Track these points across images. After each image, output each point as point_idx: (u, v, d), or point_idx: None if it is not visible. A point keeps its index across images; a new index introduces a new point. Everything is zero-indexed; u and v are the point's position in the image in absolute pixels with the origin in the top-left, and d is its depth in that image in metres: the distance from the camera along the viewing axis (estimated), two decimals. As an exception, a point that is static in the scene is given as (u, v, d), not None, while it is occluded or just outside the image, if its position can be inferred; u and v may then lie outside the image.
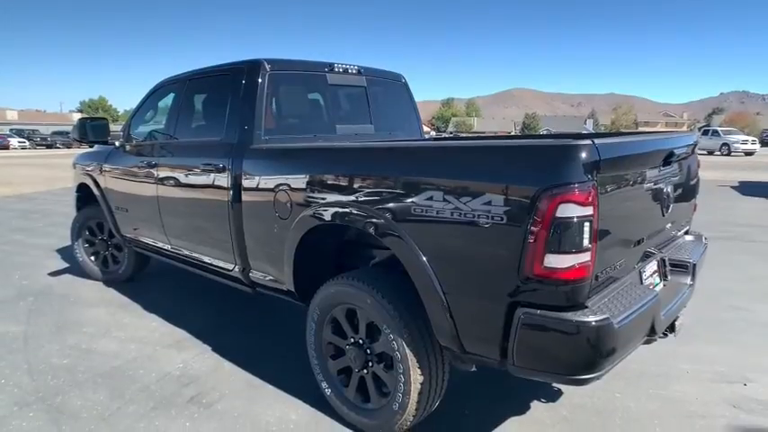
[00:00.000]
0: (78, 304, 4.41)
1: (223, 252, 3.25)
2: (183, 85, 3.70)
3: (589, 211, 1.74)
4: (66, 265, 5.59)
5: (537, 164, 1.80)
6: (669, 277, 2.53)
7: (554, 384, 2.94)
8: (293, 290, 2.81)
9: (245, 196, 2.97)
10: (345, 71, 3.56)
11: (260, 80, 3.06)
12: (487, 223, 1.86)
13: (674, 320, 2.35)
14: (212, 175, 3.17)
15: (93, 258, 5.02)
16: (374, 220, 2.22)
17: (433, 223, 2.02)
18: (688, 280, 2.55)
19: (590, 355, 1.79)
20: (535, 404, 2.77)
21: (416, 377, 2.23)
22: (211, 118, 3.50)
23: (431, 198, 2.01)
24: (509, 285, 1.85)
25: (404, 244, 2.11)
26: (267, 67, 3.10)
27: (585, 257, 1.76)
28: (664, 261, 2.52)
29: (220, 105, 3.29)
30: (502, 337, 1.92)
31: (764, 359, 3.24)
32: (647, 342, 2.16)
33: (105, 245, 4.92)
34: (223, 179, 3.08)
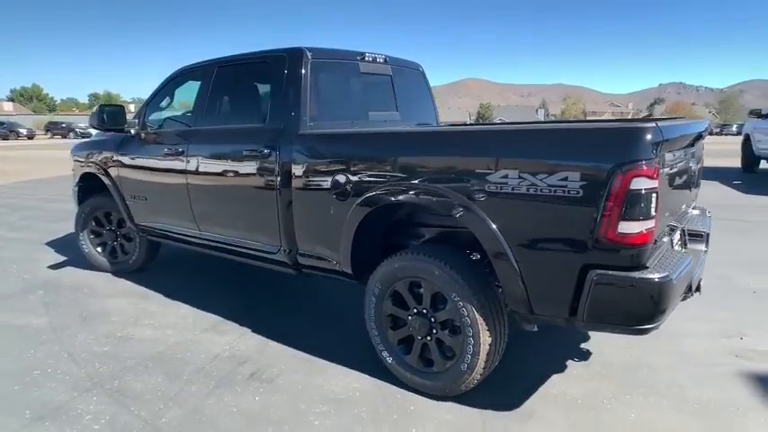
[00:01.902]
0: (95, 295, 4.37)
1: (266, 236, 3.36)
2: (210, 73, 3.73)
3: (655, 184, 2.01)
4: (63, 257, 5.47)
5: (611, 144, 2.06)
6: (688, 245, 2.86)
7: (582, 346, 3.26)
8: (349, 269, 2.97)
9: (295, 180, 3.09)
10: (374, 60, 3.71)
11: (303, 68, 3.18)
12: (564, 197, 2.10)
13: (699, 281, 2.69)
14: (256, 160, 3.26)
15: (99, 249, 4.95)
16: (447, 198, 2.42)
17: (507, 199, 2.25)
18: (703, 247, 2.90)
19: (653, 307, 2.08)
20: (571, 363, 3.07)
21: (485, 339, 2.46)
22: (249, 105, 3.58)
23: (506, 176, 2.23)
24: (583, 251, 2.11)
25: (478, 219, 2.32)
26: (309, 55, 3.22)
27: (651, 224, 2.04)
28: (684, 231, 2.85)
29: (259, 92, 3.37)
30: (572, 297, 2.17)
31: (751, 317, 3.68)
32: (684, 299, 2.48)
33: (114, 235, 4.87)
34: (269, 164, 3.19)
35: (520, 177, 2.20)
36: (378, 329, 2.86)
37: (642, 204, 2.00)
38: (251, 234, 3.49)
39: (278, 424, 2.52)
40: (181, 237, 4.10)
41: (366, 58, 3.66)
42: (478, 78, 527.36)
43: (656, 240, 2.16)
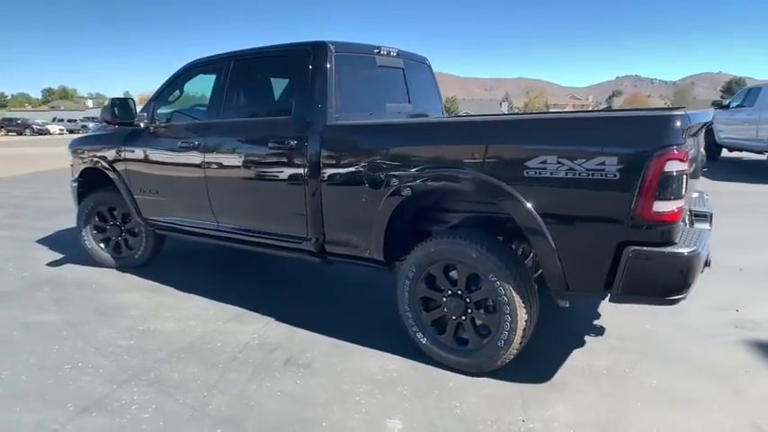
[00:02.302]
0: (105, 291, 4.33)
1: (292, 225, 3.42)
2: (227, 67, 3.75)
3: (685, 166, 2.21)
4: (60, 255, 5.36)
5: (646, 131, 2.24)
6: (695, 224, 3.10)
7: (596, 322, 3.48)
8: (380, 255, 3.08)
9: (324, 170, 3.17)
10: (388, 53, 3.81)
11: (328, 61, 3.26)
12: (601, 180, 2.27)
13: (709, 257, 2.92)
14: (283, 151, 3.32)
15: (102, 245, 4.89)
16: (487, 184, 2.55)
17: (545, 183, 2.40)
18: (707, 226, 3.14)
19: (683, 280, 2.28)
20: (588, 338, 3.27)
21: (522, 315, 2.62)
22: (272, 97, 3.62)
23: (544, 162, 2.39)
24: (619, 229, 2.29)
25: (517, 203, 2.47)
26: (332, 48, 3.30)
27: (681, 203, 2.24)
28: (690, 211, 3.09)
29: (282, 85, 3.42)
30: (608, 272, 2.35)
31: (742, 292, 3.98)
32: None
33: (118, 230, 4.81)
34: (297, 155, 3.25)
35: (558, 163, 2.35)
36: (411, 311, 2.99)
37: (674, 185, 2.19)
38: (275, 224, 3.55)
39: (326, 405, 2.62)
40: (195, 229, 4.11)
41: (382, 52, 3.76)
42: (440, 72, 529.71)
43: (683, 219, 2.36)
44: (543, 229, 2.44)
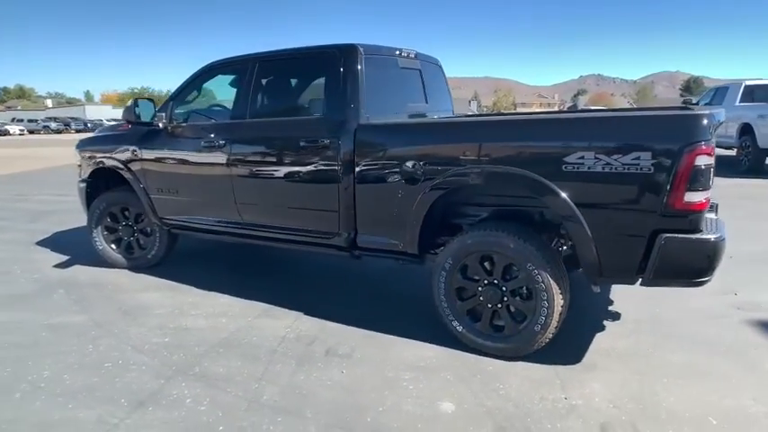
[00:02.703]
0: (123, 291, 4.33)
1: (323, 221, 3.52)
2: (251, 68, 3.80)
3: (712, 160, 2.42)
4: (65, 256, 5.29)
5: (677, 128, 2.45)
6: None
7: (610, 308, 3.71)
8: (415, 249, 3.22)
9: (358, 167, 3.28)
10: (408, 55, 3.95)
11: (359, 63, 3.37)
12: (636, 174, 2.47)
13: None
14: (316, 150, 3.42)
15: (114, 246, 4.87)
16: (525, 179, 2.72)
17: (583, 177, 2.59)
18: (715, 215, 3.40)
19: (709, 263, 2.50)
20: (606, 323, 3.49)
21: (558, 301, 2.81)
22: (302, 97, 3.71)
23: (582, 158, 2.57)
24: (652, 219, 2.49)
25: (556, 196, 2.65)
26: (361, 51, 3.42)
27: (708, 194, 2.46)
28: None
29: (310, 86, 3.52)
30: (641, 258, 2.56)
31: (736, 278, 4.26)
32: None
33: (131, 230, 4.80)
34: (330, 153, 3.36)
35: (595, 158, 2.54)
36: (447, 301, 3.14)
37: (703, 177, 2.40)
38: (305, 220, 3.64)
39: (376, 391, 2.75)
40: (216, 228, 4.15)
41: (402, 54, 3.90)
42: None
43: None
44: (581, 220, 2.63)
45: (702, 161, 2.39)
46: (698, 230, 2.49)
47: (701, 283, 2.56)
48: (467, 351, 3.12)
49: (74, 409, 2.63)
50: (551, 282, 2.78)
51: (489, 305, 3.02)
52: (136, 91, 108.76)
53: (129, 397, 2.74)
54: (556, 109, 62.52)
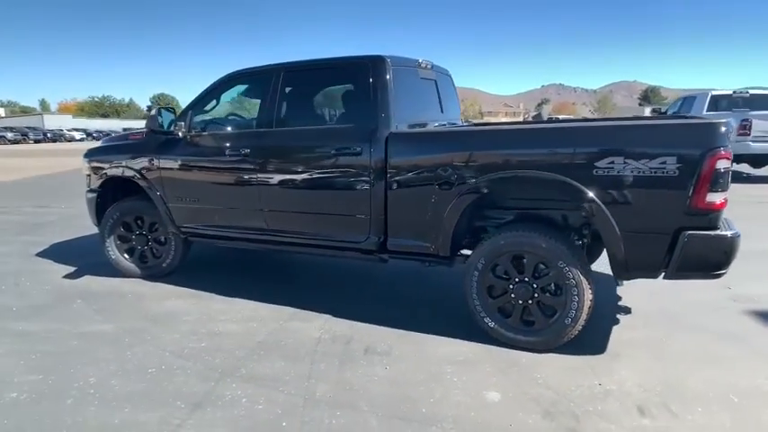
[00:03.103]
0: (145, 299, 4.34)
1: (353, 227, 3.66)
2: (276, 78, 3.91)
3: (729, 164, 2.70)
4: (70, 267, 5.23)
5: (700, 135, 2.72)
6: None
7: (619, 303, 3.97)
8: (447, 252, 3.39)
9: (391, 174, 3.45)
10: (426, 66, 4.16)
11: (388, 73, 3.55)
12: (663, 177, 2.72)
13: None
14: (347, 157, 3.56)
15: (127, 255, 4.86)
16: (557, 183, 2.94)
17: (613, 180, 2.83)
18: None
19: (726, 257, 2.77)
20: (620, 317, 3.75)
21: (588, 295, 3.04)
22: (331, 107, 3.84)
23: (612, 162, 2.82)
24: (677, 217, 2.75)
25: (588, 198, 2.88)
26: (389, 62, 3.59)
27: (727, 194, 2.73)
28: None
29: (341, 95, 3.67)
30: (665, 254, 2.81)
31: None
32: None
33: (145, 239, 4.81)
34: (362, 161, 3.51)
35: (624, 162, 2.79)
36: (479, 299, 3.32)
37: (722, 179, 2.68)
38: (334, 226, 3.77)
39: (423, 384, 2.90)
40: (239, 235, 4.22)
41: (422, 65, 4.09)
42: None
43: (723, 208, 2.86)
44: (610, 219, 2.86)
45: (722, 165, 2.66)
46: (716, 228, 2.76)
47: (719, 276, 2.83)
48: (498, 345, 3.31)
49: (132, 413, 2.68)
50: (581, 277, 3.01)
51: (520, 301, 3.22)
52: (97, 100, 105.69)
53: (183, 399, 2.80)
54: (521, 119, 64.15)
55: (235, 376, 3.05)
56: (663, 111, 13.49)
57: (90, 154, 4.96)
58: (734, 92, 10.86)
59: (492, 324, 3.31)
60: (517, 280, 3.22)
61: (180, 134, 4.25)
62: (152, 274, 4.83)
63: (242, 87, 4.32)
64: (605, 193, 2.86)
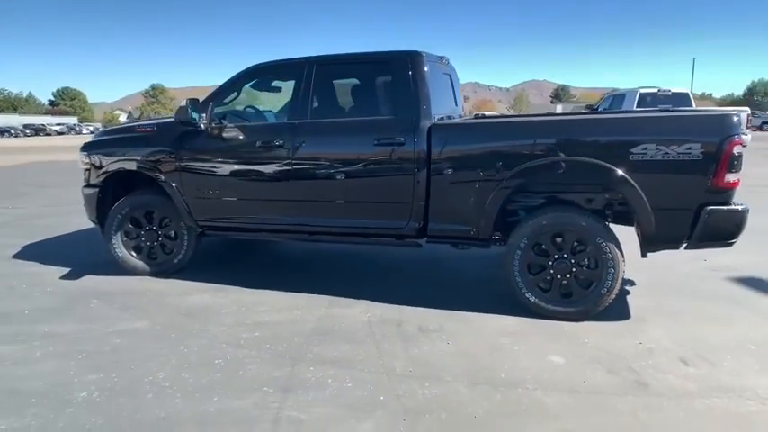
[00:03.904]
0: (168, 296, 4.23)
1: (393, 214, 3.83)
2: (308, 71, 3.97)
3: (742, 149, 3.19)
4: (64, 268, 4.92)
5: (719, 124, 3.18)
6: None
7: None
8: (488, 234, 3.66)
9: (435, 163, 3.65)
10: (444, 62, 4.40)
11: (426, 67, 3.76)
12: (689, 161, 3.16)
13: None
14: (390, 147, 3.72)
15: (134, 253, 4.68)
16: (597, 167, 3.30)
17: (646, 164, 3.23)
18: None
19: (737, 228, 3.27)
20: (628, 288, 4.22)
21: (621, 267, 3.44)
22: (370, 100, 3.96)
23: (645, 148, 3.22)
24: (700, 195, 3.21)
25: (625, 180, 3.27)
26: (425, 56, 3.80)
27: (740, 175, 3.22)
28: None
29: (377, 88, 3.82)
30: (689, 227, 3.27)
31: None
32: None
33: (155, 235, 4.65)
34: (406, 150, 3.69)
35: (657, 149, 3.20)
36: (521, 276, 3.63)
37: (737, 162, 3.16)
38: (374, 213, 3.91)
39: (489, 354, 3.15)
40: (268, 228, 4.24)
41: (443, 61, 4.33)
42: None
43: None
44: (643, 198, 3.27)
45: (737, 149, 3.14)
46: (729, 203, 3.25)
47: (731, 244, 3.33)
48: (537, 318, 3.63)
49: (222, 401, 2.70)
50: (616, 251, 3.40)
51: (559, 276, 3.56)
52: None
53: (268, 385, 2.85)
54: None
55: (307, 360, 3.13)
56: (595, 107, 14.70)
57: (90, 147, 4.71)
58: (658, 90, 12.10)
59: (533, 298, 3.62)
60: (556, 256, 3.55)
61: (202, 126, 4.18)
62: (162, 271, 4.68)
63: (264, 79, 4.31)
64: (639, 175, 3.27)
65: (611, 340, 3.30)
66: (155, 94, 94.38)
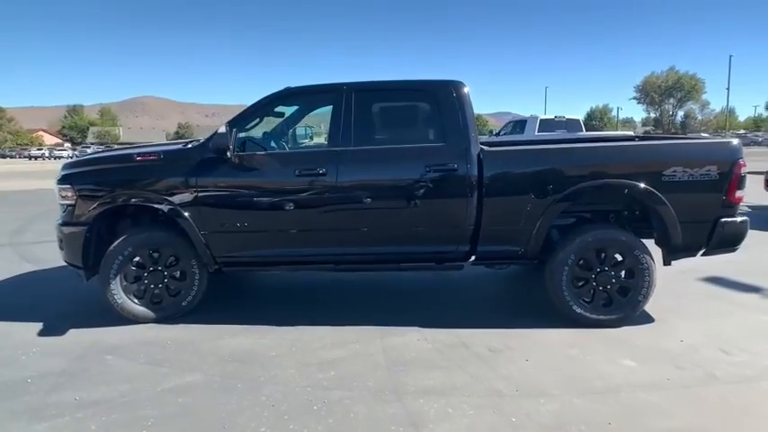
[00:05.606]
0: (195, 343, 3.77)
1: (443, 239, 3.91)
2: (346, 98, 3.90)
3: (745, 170, 3.84)
4: (37, 323, 4.12)
5: (730, 149, 3.80)
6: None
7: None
8: (536, 253, 3.90)
9: (487, 187, 3.81)
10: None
11: (468, 96, 3.93)
12: (708, 181, 3.74)
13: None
14: (442, 174, 3.80)
15: (135, 298, 4.10)
16: (635, 188, 3.73)
17: (675, 184, 3.74)
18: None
19: (742, 236, 3.91)
20: (631, 293, 4.74)
21: (655, 276, 3.89)
22: (413, 127, 3.99)
23: (674, 171, 3.73)
24: (716, 209, 3.79)
25: (658, 198, 3.73)
26: (466, 86, 3.98)
27: (745, 192, 3.86)
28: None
29: (422, 116, 3.91)
30: (707, 237, 3.83)
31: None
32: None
33: (160, 276, 4.12)
34: (458, 176, 3.80)
35: (683, 171, 3.73)
36: (567, 289, 3.91)
37: (743, 181, 3.81)
38: (423, 240, 3.93)
39: (570, 365, 3.34)
40: (304, 260, 4.03)
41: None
42: (156, 96, 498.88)
43: (730, 200, 4.01)
44: (672, 214, 3.77)
45: (743, 170, 3.79)
46: (735, 215, 3.89)
47: (736, 249, 3.97)
48: (581, 327, 3.93)
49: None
50: (651, 262, 3.85)
51: (601, 287, 3.91)
52: None
53: (393, 423, 2.73)
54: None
55: (411, 393, 3.05)
56: (496, 133, 16.09)
57: (73, 178, 4.04)
58: (555, 116, 13.70)
59: (579, 310, 3.92)
60: (599, 270, 3.90)
61: (228, 154, 3.85)
62: (168, 316, 4.16)
63: (296, 104, 4.12)
64: (670, 194, 3.76)
65: (658, 340, 3.71)
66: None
